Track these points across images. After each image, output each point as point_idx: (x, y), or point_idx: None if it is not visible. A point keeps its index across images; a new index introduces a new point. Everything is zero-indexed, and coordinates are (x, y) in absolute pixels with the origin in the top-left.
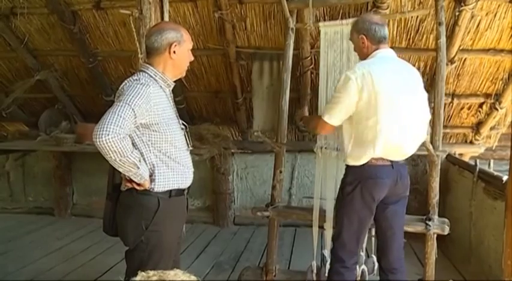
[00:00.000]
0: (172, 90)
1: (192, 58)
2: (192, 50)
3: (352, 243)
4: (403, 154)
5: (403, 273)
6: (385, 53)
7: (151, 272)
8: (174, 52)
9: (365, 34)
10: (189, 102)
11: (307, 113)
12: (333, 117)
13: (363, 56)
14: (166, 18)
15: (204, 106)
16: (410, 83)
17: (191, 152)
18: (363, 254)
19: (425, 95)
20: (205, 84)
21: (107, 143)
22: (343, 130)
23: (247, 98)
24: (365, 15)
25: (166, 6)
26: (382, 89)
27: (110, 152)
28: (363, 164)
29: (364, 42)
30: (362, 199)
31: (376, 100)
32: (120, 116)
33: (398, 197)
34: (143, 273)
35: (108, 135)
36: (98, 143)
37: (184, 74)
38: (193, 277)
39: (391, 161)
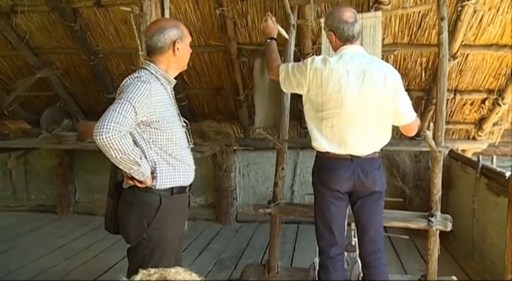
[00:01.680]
0: (174, 87)
1: (191, 50)
2: (194, 46)
3: (327, 233)
4: (355, 152)
5: (378, 269)
6: (351, 50)
7: (152, 270)
8: (178, 49)
9: (333, 31)
10: (190, 99)
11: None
12: (284, 81)
13: (333, 49)
14: (167, 15)
15: (206, 103)
16: (367, 84)
17: (193, 150)
18: None
19: (396, 96)
20: (207, 82)
21: (107, 140)
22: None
23: (248, 95)
24: (336, 9)
25: (167, 3)
26: (330, 89)
27: (111, 150)
28: (321, 157)
29: (333, 38)
30: (322, 189)
31: (322, 99)
32: (121, 114)
33: (367, 192)
34: (144, 271)
35: (108, 132)
36: (99, 140)
37: (186, 68)
38: (194, 275)
39: (352, 156)
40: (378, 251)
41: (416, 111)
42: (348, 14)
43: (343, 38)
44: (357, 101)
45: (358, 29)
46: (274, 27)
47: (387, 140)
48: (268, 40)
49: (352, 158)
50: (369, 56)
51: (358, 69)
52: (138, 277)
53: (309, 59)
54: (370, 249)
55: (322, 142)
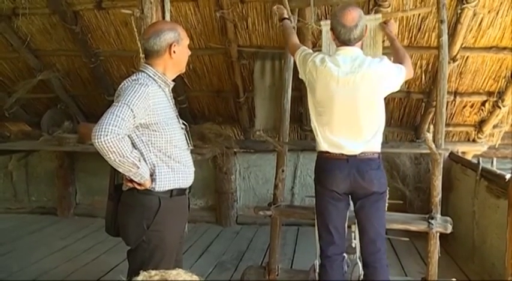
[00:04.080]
0: (175, 89)
1: (190, 52)
2: (194, 49)
3: (325, 232)
4: (348, 151)
5: (378, 269)
6: (345, 52)
7: (153, 272)
8: (174, 52)
9: (332, 30)
10: (191, 101)
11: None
12: (298, 63)
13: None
14: (167, 17)
15: (206, 105)
16: (357, 88)
17: (192, 152)
18: None
19: (386, 84)
20: (207, 84)
21: (105, 143)
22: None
23: (249, 97)
24: (341, 9)
25: (168, 6)
26: (319, 89)
27: (109, 153)
28: (320, 156)
29: (332, 36)
30: (320, 188)
31: (314, 96)
32: (119, 117)
33: (366, 193)
34: (145, 273)
35: (106, 136)
36: (97, 143)
37: (184, 70)
38: (195, 277)
39: (348, 156)
40: (378, 252)
41: (416, 113)
42: (350, 17)
43: (339, 39)
44: (346, 105)
45: (358, 33)
46: (281, 12)
47: (382, 126)
48: (282, 22)
49: (348, 159)
50: (362, 58)
51: (349, 71)
52: (139, 278)
53: (315, 53)
54: (370, 249)
55: (319, 135)
